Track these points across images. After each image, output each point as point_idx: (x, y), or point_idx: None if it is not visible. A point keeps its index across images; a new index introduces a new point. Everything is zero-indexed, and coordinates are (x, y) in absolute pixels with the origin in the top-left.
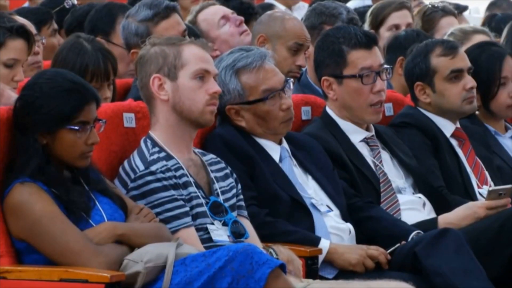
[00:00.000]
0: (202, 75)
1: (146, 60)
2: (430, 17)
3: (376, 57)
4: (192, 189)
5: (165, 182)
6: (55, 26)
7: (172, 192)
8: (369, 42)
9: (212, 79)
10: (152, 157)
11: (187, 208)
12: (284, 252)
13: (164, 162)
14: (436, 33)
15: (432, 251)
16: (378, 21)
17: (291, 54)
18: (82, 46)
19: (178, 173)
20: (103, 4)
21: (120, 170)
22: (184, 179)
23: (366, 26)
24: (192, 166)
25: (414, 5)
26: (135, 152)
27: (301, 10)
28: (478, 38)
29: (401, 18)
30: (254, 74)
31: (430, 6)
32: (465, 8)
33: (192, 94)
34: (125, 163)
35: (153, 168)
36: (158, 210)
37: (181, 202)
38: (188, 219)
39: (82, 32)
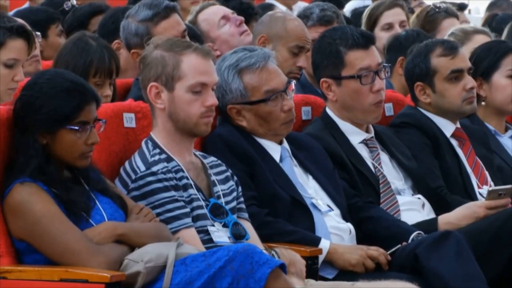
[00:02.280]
0: (199, 87)
1: (147, 64)
2: (433, 18)
3: (373, 56)
4: (192, 191)
5: (166, 183)
6: (61, 26)
7: (173, 193)
8: (366, 42)
9: (209, 91)
10: (153, 158)
11: (188, 209)
12: (286, 254)
13: (165, 164)
14: (437, 34)
15: (433, 253)
16: (372, 22)
17: (292, 55)
18: (87, 42)
19: (178, 175)
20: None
21: (121, 170)
22: (184, 181)
23: (362, 28)
24: (192, 169)
25: (414, 5)
26: (136, 153)
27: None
28: (479, 38)
29: (393, 16)
30: (257, 74)
31: (432, 7)
32: (465, 6)
33: (187, 107)
34: (126, 164)
35: (154, 169)
36: (158, 210)
37: (182, 203)
38: (189, 219)
39: None
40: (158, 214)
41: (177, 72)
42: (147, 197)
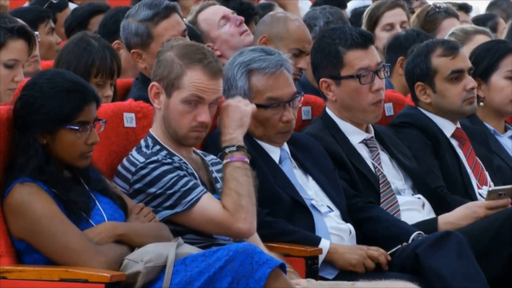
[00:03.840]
0: (194, 102)
1: (159, 60)
2: (433, 18)
3: (372, 56)
4: (198, 182)
5: (169, 166)
6: (52, 24)
7: (179, 171)
8: (365, 41)
9: (205, 107)
10: (152, 151)
11: (198, 181)
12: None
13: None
14: (438, 34)
15: (434, 253)
16: (372, 22)
17: (293, 57)
18: (89, 42)
19: (183, 166)
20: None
21: (119, 168)
22: (190, 171)
23: (363, 27)
24: (193, 164)
25: (416, 5)
26: (133, 150)
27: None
28: (480, 39)
29: (394, 17)
30: (265, 79)
31: (433, 6)
32: (469, 8)
33: (179, 117)
34: (124, 161)
35: (154, 158)
36: (173, 190)
37: (191, 177)
38: (202, 187)
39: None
40: (173, 193)
41: (177, 82)
42: (155, 183)
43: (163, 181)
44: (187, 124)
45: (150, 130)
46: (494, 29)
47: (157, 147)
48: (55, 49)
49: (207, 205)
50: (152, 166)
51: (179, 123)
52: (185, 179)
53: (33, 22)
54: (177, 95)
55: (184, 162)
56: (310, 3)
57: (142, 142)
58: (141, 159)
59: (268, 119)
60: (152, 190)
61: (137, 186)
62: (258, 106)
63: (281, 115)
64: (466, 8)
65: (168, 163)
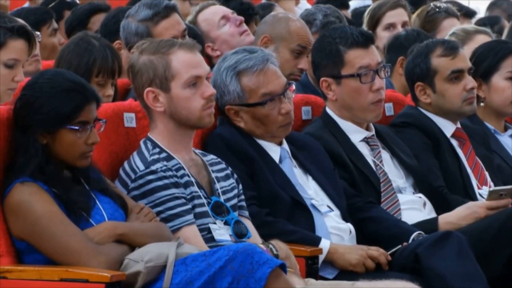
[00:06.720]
0: (194, 82)
1: (136, 71)
2: (433, 17)
3: (373, 55)
4: (194, 188)
5: (166, 181)
6: (55, 25)
7: (174, 190)
8: (365, 41)
9: (205, 82)
10: (152, 157)
11: (189, 206)
12: (283, 248)
13: (165, 163)
14: (438, 34)
15: (434, 253)
16: (374, 21)
17: (294, 57)
18: (90, 42)
19: (179, 173)
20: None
21: (120, 171)
22: (186, 179)
23: (364, 27)
24: (193, 166)
25: None
26: (134, 153)
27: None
28: (480, 38)
29: (396, 17)
30: (255, 77)
31: (432, 6)
32: (473, 13)
33: (187, 103)
34: (125, 164)
35: (153, 167)
36: (160, 208)
37: (183, 200)
38: (190, 216)
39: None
40: (159, 212)
41: (169, 72)
42: (148, 195)
43: (155, 196)
44: (198, 105)
45: (148, 133)
46: (500, 33)
47: (157, 149)
48: (58, 50)
49: (187, 237)
50: (149, 177)
51: (189, 109)
52: (175, 202)
53: (35, 24)
54: (176, 83)
55: (182, 167)
56: (309, 5)
57: (142, 144)
58: (141, 166)
59: (267, 115)
60: (144, 201)
61: (134, 193)
62: (254, 104)
63: (279, 108)
64: (469, 14)
65: (165, 177)
